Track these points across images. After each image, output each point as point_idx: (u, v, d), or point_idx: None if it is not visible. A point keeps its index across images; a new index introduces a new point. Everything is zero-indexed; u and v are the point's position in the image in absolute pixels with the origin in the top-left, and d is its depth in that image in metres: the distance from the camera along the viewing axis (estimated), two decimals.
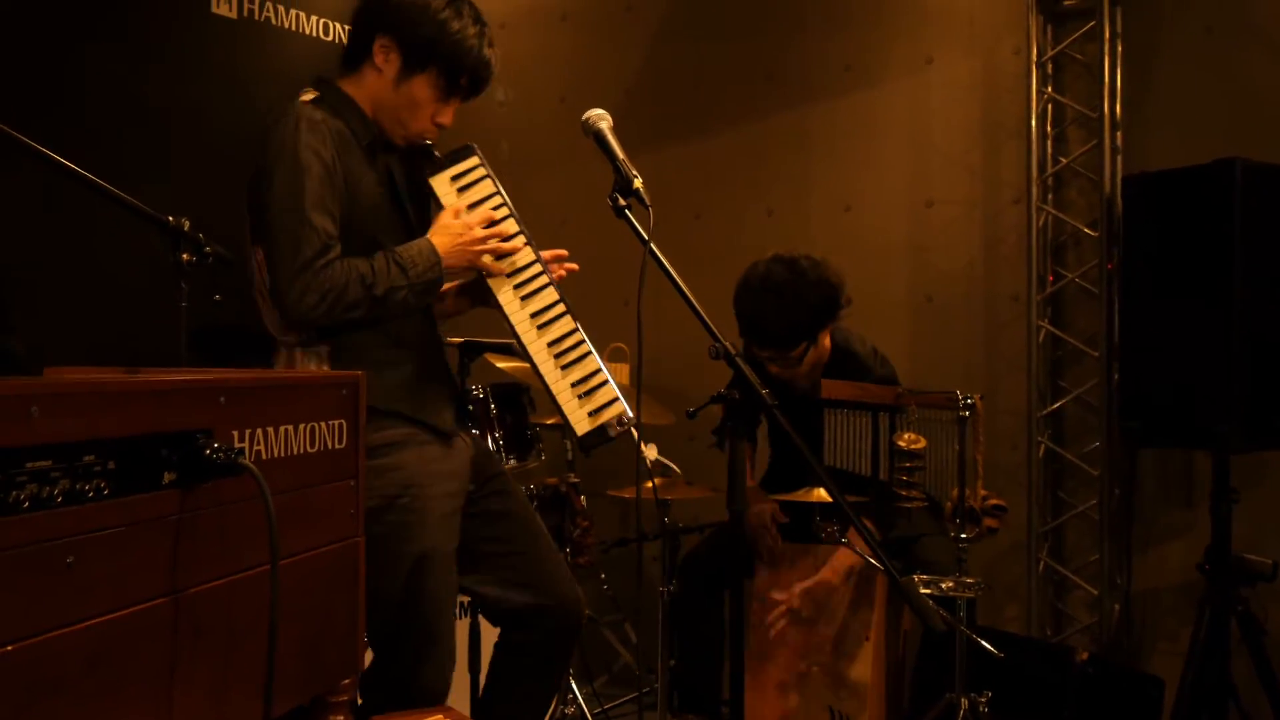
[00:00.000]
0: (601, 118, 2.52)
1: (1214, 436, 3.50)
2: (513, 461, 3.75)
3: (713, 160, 5.09)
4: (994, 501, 3.22)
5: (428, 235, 2.61)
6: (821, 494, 3.37)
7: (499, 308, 2.66)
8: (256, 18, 4.10)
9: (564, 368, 2.62)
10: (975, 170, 4.53)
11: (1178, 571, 4.08)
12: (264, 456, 1.69)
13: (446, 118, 2.70)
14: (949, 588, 3.04)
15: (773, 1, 4.95)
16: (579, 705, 3.93)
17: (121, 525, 1.42)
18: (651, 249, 2.38)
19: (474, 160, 2.68)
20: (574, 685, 3.86)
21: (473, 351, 3.50)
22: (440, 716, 2.28)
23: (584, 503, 3.96)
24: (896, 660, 3.56)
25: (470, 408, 3.61)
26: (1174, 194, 3.60)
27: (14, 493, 1.28)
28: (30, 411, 1.30)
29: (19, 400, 1.30)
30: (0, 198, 3.09)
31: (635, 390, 2.55)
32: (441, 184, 2.66)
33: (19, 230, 3.33)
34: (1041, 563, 4.34)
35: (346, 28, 4.35)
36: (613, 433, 2.60)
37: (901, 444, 3.18)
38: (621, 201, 2.46)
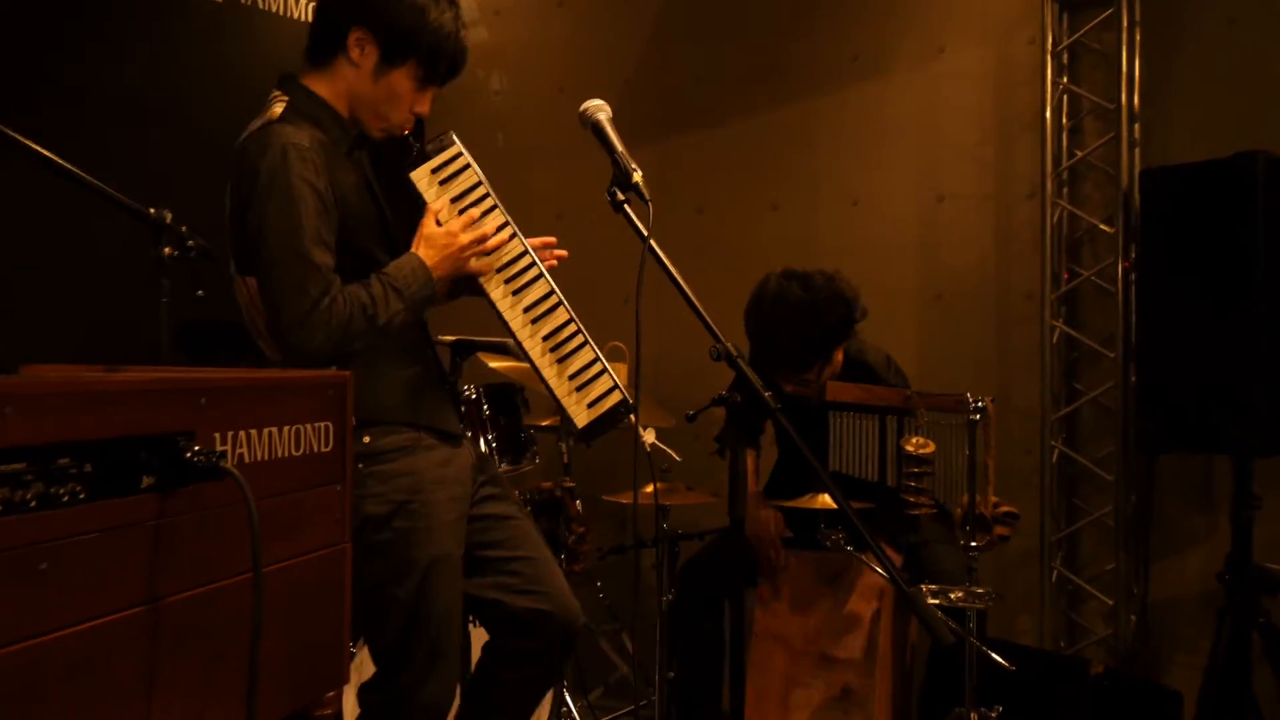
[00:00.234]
0: (600, 108, 2.52)
1: (1235, 440, 3.51)
2: (506, 465, 3.74)
3: (715, 153, 5.09)
4: (1005, 508, 3.21)
5: (413, 249, 2.60)
6: (826, 500, 3.37)
7: (490, 303, 2.66)
8: (242, 2, 4.10)
9: (560, 360, 2.62)
10: (988, 164, 4.53)
11: (1197, 581, 4.08)
12: (247, 460, 1.68)
13: (425, 106, 2.69)
14: (958, 598, 3.03)
15: None
16: (574, 719, 3.93)
17: (98, 531, 1.42)
18: (651, 245, 2.38)
19: (454, 150, 2.65)
20: (569, 698, 3.85)
21: (465, 350, 3.49)
22: None
23: (580, 508, 3.96)
24: (904, 673, 3.56)
25: (463, 409, 3.61)
26: (1194, 188, 3.60)
27: None
28: (3, 412, 1.30)
29: None
30: None
31: (634, 392, 2.55)
32: (422, 178, 2.63)
33: None
34: (1055, 572, 4.34)
35: None
36: (613, 423, 2.61)
37: (909, 448, 3.17)
38: (620, 196, 2.46)
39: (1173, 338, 3.65)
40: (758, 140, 5.00)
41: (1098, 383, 4.32)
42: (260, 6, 4.16)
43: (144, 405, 1.51)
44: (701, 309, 2.36)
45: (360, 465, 2.48)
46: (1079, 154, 4.35)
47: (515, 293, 2.65)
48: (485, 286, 2.65)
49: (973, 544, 3.09)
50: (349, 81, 2.61)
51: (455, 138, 2.66)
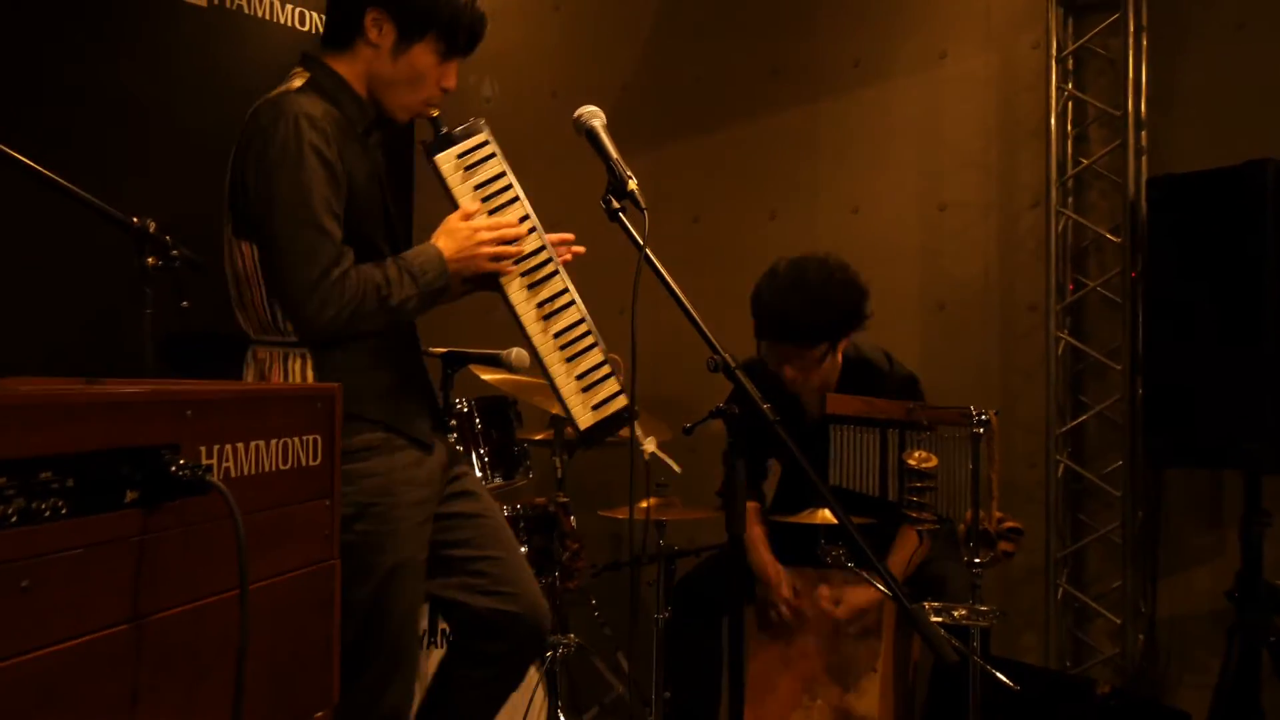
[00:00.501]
0: (594, 115, 2.53)
1: (1245, 455, 3.51)
2: (499, 479, 3.74)
3: (713, 160, 5.10)
4: (1010, 524, 3.21)
5: (433, 239, 2.62)
6: (827, 515, 3.37)
7: (504, 297, 2.66)
8: (229, 6, 4.11)
9: (569, 359, 2.63)
10: (991, 171, 4.54)
11: (1205, 599, 4.08)
12: (233, 474, 1.68)
13: (450, 80, 2.70)
14: (962, 616, 3.03)
15: None
16: None
17: (80, 546, 1.42)
18: (647, 254, 2.38)
19: (482, 137, 2.66)
20: (563, 718, 3.85)
21: (456, 363, 3.50)
22: None
23: (574, 523, 3.96)
24: (906, 693, 3.56)
25: (453, 422, 3.61)
26: (1202, 197, 3.61)
27: None
28: None
29: None
30: None
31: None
32: (447, 162, 2.64)
33: None
34: (1060, 589, 4.34)
35: (323, 17, 4.39)
36: (616, 427, 2.62)
37: (912, 462, 3.17)
38: (615, 204, 2.46)
39: (1181, 350, 3.66)
40: (756, 147, 5.00)
41: (1104, 396, 4.32)
42: (246, 11, 4.16)
43: (127, 418, 1.51)
44: (699, 319, 2.36)
45: None
46: (1084, 162, 4.36)
47: (530, 287, 2.66)
48: (501, 279, 2.65)
49: (976, 560, 3.09)
50: (369, 63, 2.64)
51: (484, 125, 2.68)
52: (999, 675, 3.14)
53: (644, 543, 3.76)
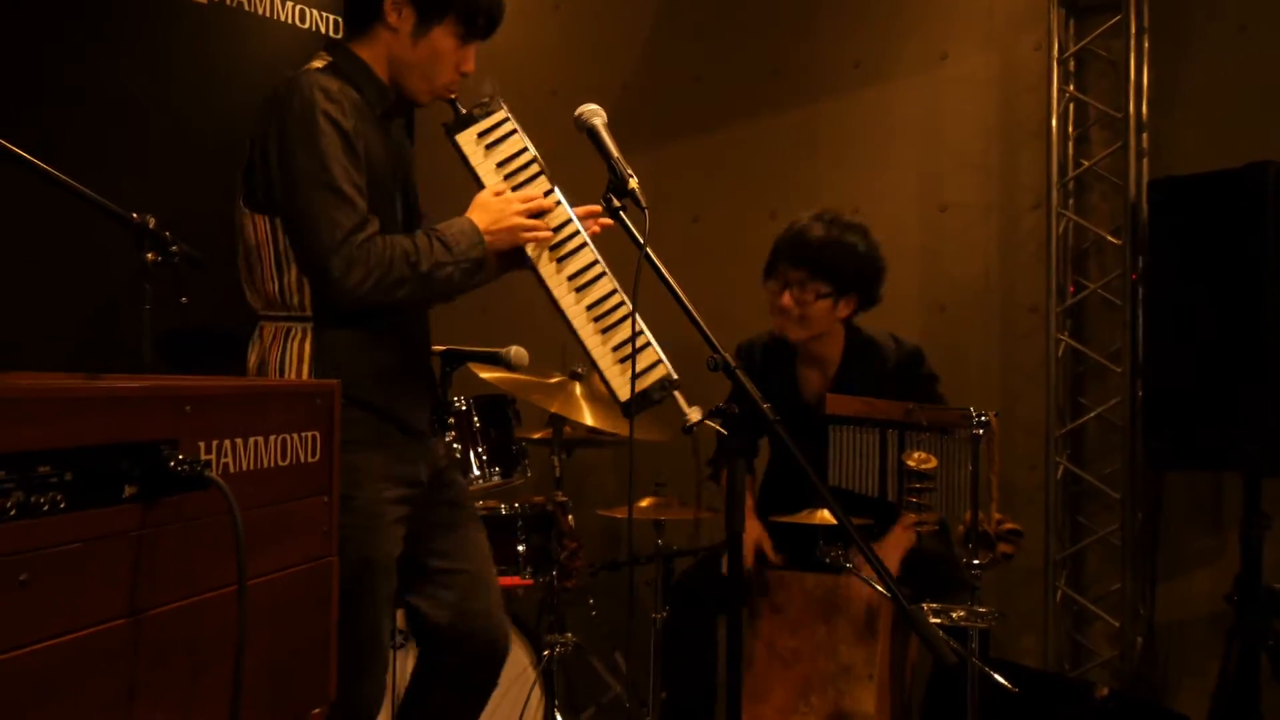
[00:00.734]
0: (595, 113, 2.53)
1: (1245, 458, 3.51)
2: (497, 478, 3.74)
3: (713, 160, 5.10)
4: (1009, 526, 3.22)
5: (466, 214, 2.64)
6: (825, 516, 3.37)
7: (534, 271, 2.67)
8: (228, 3, 4.11)
9: (604, 331, 2.61)
10: (992, 173, 4.54)
11: (1205, 602, 4.08)
12: (232, 469, 1.69)
13: (469, 64, 2.73)
14: (960, 617, 3.03)
15: None
16: None
17: (79, 541, 1.42)
18: (647, 253, 2.38)
19: (501, 114, 2.69)
20: (559, 718, 3.85)
21: (454, 360, 3.49)
22: None
23: (572, 522, 3.96)
24: (903, 696, 3.56)
25: (451, 420, 3.60)
26: (1203, 199, 3.62)
27: None
28: None
29: None
30: None
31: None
32: (468, 141, 2.67)
33: None
34: (1059, 592, 4.34)
35: (323, 14, 4.40)
36: (656, 396, 2.58)
37: (911, 463, 3.18)
38: (616, 202, 2.47)
39: (1181, 352, 3.66)
40: (756, 146, 5.01)
41: (1104, 398, 4.33)
42: (246, 8, 4.16)
43: (126, 413, 1.51)
44: (699, 318, 2.36)
45: None
46: (1085, 163, 4.36)
47: (560, 260, 2.66)
48: (531, 255, 2.66)
49: (975, 562, 3.09)
50: (389, 46, 2.67)
51: (503, 102, 2.70)
52: (997, 677, 3.14)
53: (631, 540, 3.76)
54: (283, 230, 2.54)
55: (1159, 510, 4.21)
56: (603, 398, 3.92)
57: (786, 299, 3.67)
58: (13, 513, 1.33)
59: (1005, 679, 3.15)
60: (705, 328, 2.36)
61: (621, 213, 2.47)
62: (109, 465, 1.47)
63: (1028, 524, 3.53)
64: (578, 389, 3.93)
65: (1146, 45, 4.21)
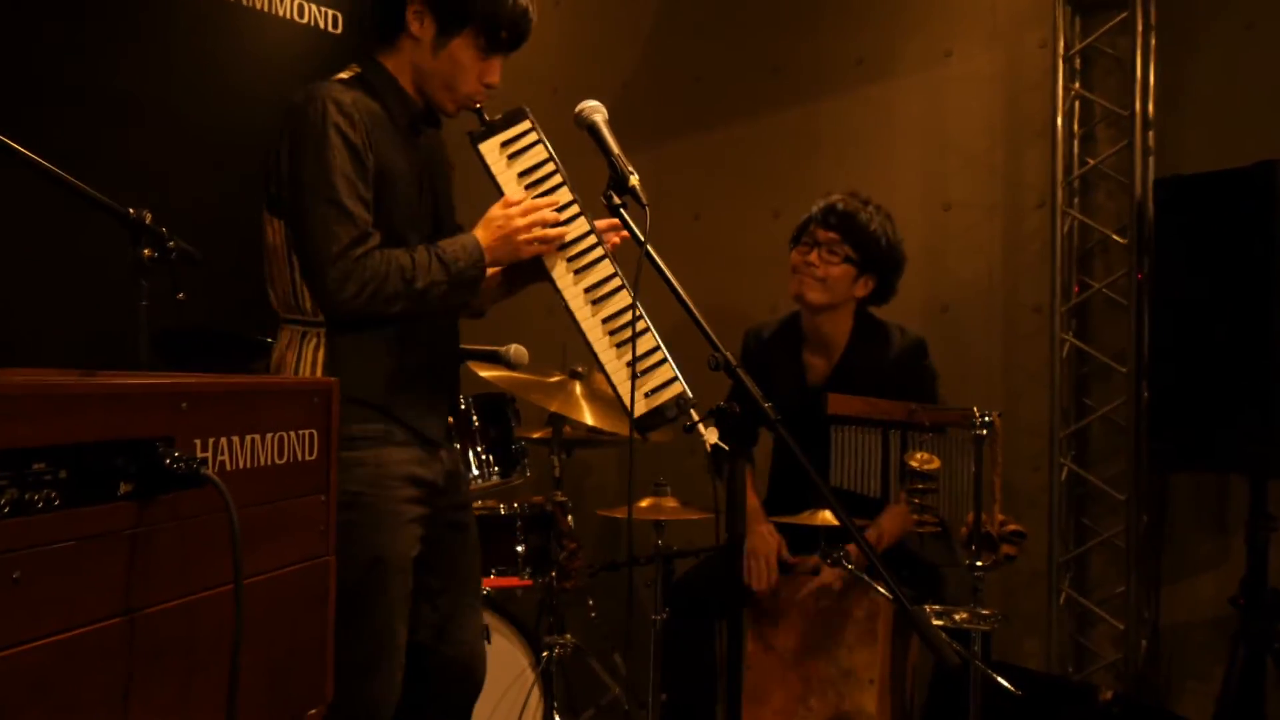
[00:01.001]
0: (596, 110, 2.54)
1: (1251, 459, 3.51)
2: (496, 477, 3.74)
3: (714, 158, 5.10)
4: (1012, 527, 3.22)
5: (474, 230, 2.66)
6: (827, 516, 3.37)
7: (551, 282, 2.67)
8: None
9: (619, 345, 2.60)
10: (996, 171, 4.54)
11: (1210, 605, 4.08)
12: (228, 467, 1.68)
13: (494, 76, 2.74)
14: (963, 619, 3.03)
15: None
16: None
17: (73, 539, 1.42)
18: (648, 251, 2.38)
19: (526, 124, 2.70)
20: (558, 719, 3.85)
21: None
22: None
23: (572, 523, 3.95)
24: (905, 698, 3.56)
25: (450, 419, 3.60)
26: (1210, 198, 3.61)
27: None
28: None
29: None
30: None
31: (629, 405, 2.55)
32: (491, 151, 2.67)
33: None
34: (1063, 594, 4.34)
35: (322, 10, 4.40)
36: (670, 414, 2.57)
37: (914, 464, 3.17)
38: (616, 200, 2.47)
39: (1187, 353, 3.65)
40: (758, 144, 5.00)
41: (1109, 398, 4.32)
42: (244, 4, 4.16)
43: (122, 409, 1.51)
44: (700, 316, 2.36)
45: None
46: (1091, 162, 4.35)
47: (577, 272, 2.66)
48: (548, 266, 2.67)
49: (978, 563, 3.09)
50: (412, 56, 2.70)
51: (528, 112, 2.71)
52: (1000, 680, 3.14)
53: (630, 541, 3.75)
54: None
55: (1164, 512, 4.21)
56: (603, 397, 3.92)
57: (814, 256, 3.73)
58: (6, 510, 1.32)
59: (1008, 681, 3.15)
60: (706, 326, 2.36)
61: (622, 210, 2.48)
62: (104, 462, 1.47)
63: (1031, 526, 3.53)
64: (578, 388, 3.93)
65: (1153, 43, 4.20)
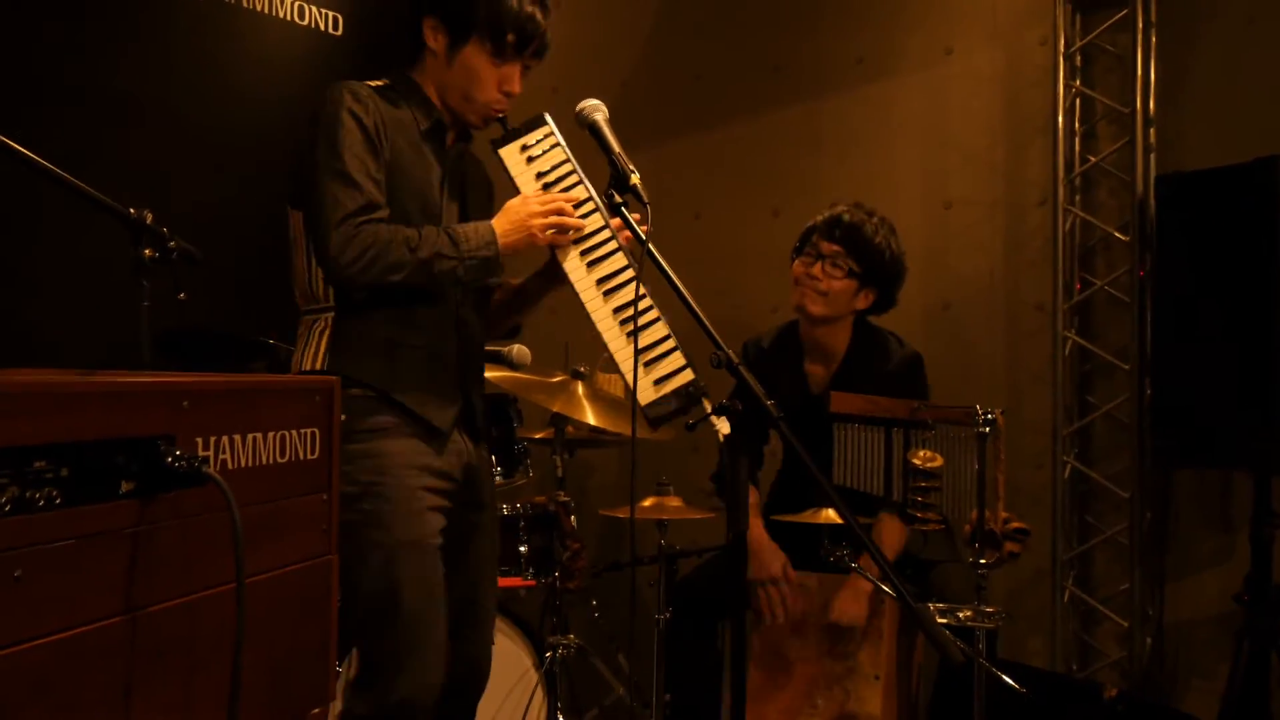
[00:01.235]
0: (597, 108, 2.55)
1: (1255, 456, 3.51)
2: (499, 478, 3.74)
3: (715, 156, 5.10)
4: (1016, 525, 3.21)
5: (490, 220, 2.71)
6: (830, 515, 3.36)
7: (564, 275, 2.70)
8: (228, 0, 4.11)
9: (630, 334, 2.61)
10: (997, 169, 4.53)
11: (1214, 602, 4.07)
12: (230, 466, 1.68)
13: (513, 84, 2.78)
14: (967, 617, 3.03)
15: None
16: None
17: (75, 537, 1.41)
18: (649, 249, 2.38)
19: (545, 129, 2.75)
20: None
21: None
22: None
23: (575, 523, 3.95)
24: (910, 696, 3.56)
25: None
26: (1212, 195, 3.61)
27: None
28: None
29: None
30: None
31: (630, 404, 2.54)
32: (511, 155, 2.74)
33: None
34: (1067, 592, 4.33)
35: (322, 11, 4.40)
36: (679, 404, 2.57)
37: (917, 462, 3.17)
38: (617, 198, 2.48)
39: (1189, 349, 3.65)
40: (759, 144, 5.00)
41: (1111, 396, 4.32)
42: (245, 5, 4.16)
43: (123, 408, 1.50)
44: (701, 314, 2.36)
45: None
46: (1092, 159, 4.35)
47: (590, 264, 2.68)
48: (559, 257, 2.70)
49: (982, 561, 3.08)
50: (433, 70, 2.78)
51: (548, 118, 2.76)
52: (1005, 678, 3.14)
53: (633, 541, 3.75)
54: None
55: (1168, 509, 4.21)
56: (605, 397, 3.92)
57: (817, 269, 3.72)
58: (8, 508, 1.32)
59: (1013, 679, 3.14)
60: (708, 323, 2.36)
61: (623, 208, 2.48)
62: (105, 461, 1.46)
63: (1035, 523, 3.52)
64: (580, 388, 3.93)
65: (1154, 39, 4.20)
